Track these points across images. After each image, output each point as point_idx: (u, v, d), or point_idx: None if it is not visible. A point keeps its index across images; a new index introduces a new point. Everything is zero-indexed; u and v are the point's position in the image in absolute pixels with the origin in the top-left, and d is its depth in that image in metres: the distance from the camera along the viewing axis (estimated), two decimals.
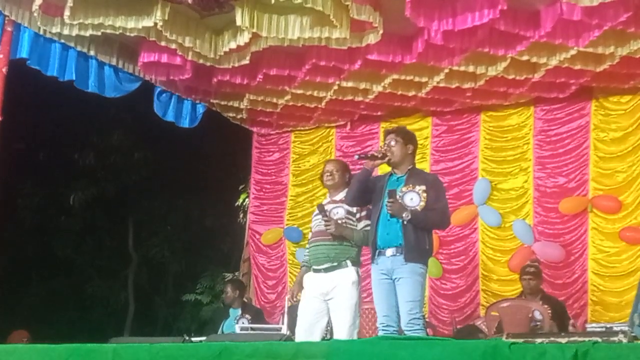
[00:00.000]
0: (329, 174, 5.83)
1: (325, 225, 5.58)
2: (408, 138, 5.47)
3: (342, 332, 5.47)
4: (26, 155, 13.48)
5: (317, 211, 5.84)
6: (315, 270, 5.71)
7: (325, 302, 5.62)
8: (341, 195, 5.78)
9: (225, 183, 12.60)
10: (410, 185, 5.26)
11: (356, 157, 5.50)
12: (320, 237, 5.69)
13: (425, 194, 5.22)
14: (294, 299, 5.95)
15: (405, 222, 5.14)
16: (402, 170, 5.38)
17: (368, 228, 5.63)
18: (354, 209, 5.68)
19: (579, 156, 8.31)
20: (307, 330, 5.58)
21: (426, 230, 5.32)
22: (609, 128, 8.23)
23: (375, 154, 5.33)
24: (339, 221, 5.61)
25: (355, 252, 5.68)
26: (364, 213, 5.69)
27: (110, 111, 13.06)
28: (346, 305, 5.54)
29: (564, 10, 6.14)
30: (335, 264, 5.59)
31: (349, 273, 5.59)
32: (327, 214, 5.65)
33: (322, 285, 5.63)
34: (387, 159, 5.33)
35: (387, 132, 5.53)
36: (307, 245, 5.90)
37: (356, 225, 5.68)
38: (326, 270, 5.61)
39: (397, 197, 5.22)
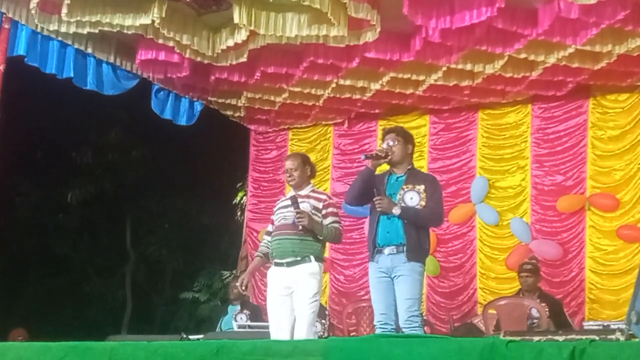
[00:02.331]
0: (288, 174, 5.82)
1: (298, 218, 5.54)
2: (407, 138, 5.50)
3: (305, 322, 5.51)
4: (24, 153, 13.45)
5: (280, 204, 5.83)
6: (277, 264, 5.68)
7: (290, 295, 5.61)
8: (306, 190, 5.78)
9: (223, 181, 12.61)
10: (411, 185, 5.29)
11: (363, 157, 5.50)
12: (285, 230, 5.66)
13: (424, 193, 5.26)
14: (243, 288, 5.93)
15: (398, 218, 5.16)
16: (401, 170, 5.41)
17: (335, 224, 5.68)
18: (320, 205, 5.69)
19: (576, 154, 8.32)
20: (278, 327, 5.59)
21: (424, 229, 5.35)
22: (607, 126, 8.25)
23: (380, 154, 5.35)
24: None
25: (319, 247, 5.68)
26: (329, 209, 5.71)
27: (108, 109, 13.04)
28: (306, 295, 5.54)
29: (562, 9, 6.15)
30: (299, 258, 5.58)
31: (311, 266, 5.59)
32: (300, 206, 5.59)
33: (284, 279, 5.62)
34: (389, 158, 5.35)
35: (387, 132, 5.54)
36: (271, 239, 5.83)
37: (321, 221, 5.67)
38: (289, 264, 5.60)
39: (398, 195, 5.24)
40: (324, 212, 5.69)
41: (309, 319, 5.54)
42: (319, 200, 5.72)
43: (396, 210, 5.16)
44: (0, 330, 9.29)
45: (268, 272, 5.83)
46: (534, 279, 7.12)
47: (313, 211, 5.64)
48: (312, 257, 5.60)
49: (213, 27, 7.13)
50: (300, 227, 5.55)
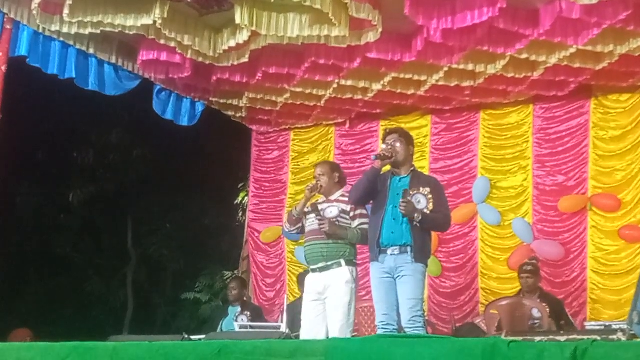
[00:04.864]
0: (316, 180, 5.96)
1: (320, 225, 5.65)
2: (409, 139, 5.55)
3: (335, 330, 5.57)
4: (25, 153, 13.46)
5: (310, 210, 5.91)
6: (312, 270, 5.81)
7: (322, 301, 5.70)
8: (336, 195, 5.88)
9: (225, 181, 12.61)
10: (416, 188, 5.31)
11: (373, 157, 5.55)
12: (314, 236, 5.78)
13: (431, 197, 5.28)
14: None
15: (415, 223, 5.18)
16: (404, 171, 5.43)
17: (363, 226, 5.73)
18: (348, 208, 5.76)
19: (578, 154, 8.31)
20: (311, 333, 5.66)
21: (430, 231, 5.38)
22: (608, 126, 8.23)
23: (387, 154, 5.37)
24: (333, 220, 5.69)
25: (349, 250, 5.75)
26: (358, 212, 5.79)
27: (109, 109, 13.04)
28: (339, 304, 5.62)
29: (564, 9, 6.14)
30: (330, 263, 5.68)
31: (342, 272, 5.67)
32: (321, 213, 5.74)
33: (317, 285, 5.74)
34: (392, 158, 5.38)
35: (388, 132, 5.58)
36: (304, 245, 5.98)
37: (350, 224, 5.75)
38: (321, 269, 5.72)
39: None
40: (352, 214, 5.79)
41: (339, 328, 5.57)
42: (347, 203, 5.80)
43: (418, 216, 5.17)
44: (2, 331, 9.29)
45: (306, 278, 5.96)
46: (534, 279, 7.12)
47: (342, 215, 5.75)
48: (342, 262, 5.69)
49: (215, 27, 7.13)
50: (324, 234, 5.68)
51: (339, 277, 5.65)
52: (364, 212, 5.83)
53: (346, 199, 5.82)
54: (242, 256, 10.11)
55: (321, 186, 5.86)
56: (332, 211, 5.75)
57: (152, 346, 4.29)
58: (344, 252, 5.71)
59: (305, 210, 5.94)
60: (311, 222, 5.84)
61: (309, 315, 5.76)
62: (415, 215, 5.17)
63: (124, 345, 4.47)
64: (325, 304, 5.69)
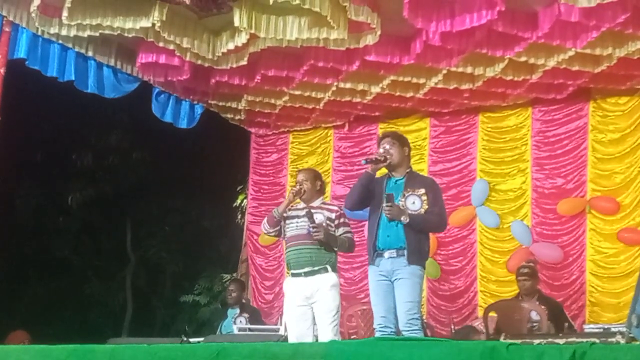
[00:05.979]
0: (299, 185, 5.96)
1: (315, 233, 5.65)
2: (403, 141, 5.55)
3: (328, 333, 5.61)
4: (24, 155, 13.45)
5: (292, 213, 5.93)
6: (295, 275, 5.82)
7: (310, 306, 5.73)
8: (317, 202, 5.94)
9: (224, 184, 12.60)
10: (411, 189, 5.31)
11: (363, 161, 5.58)
12: (301, 240, 5.80)
13: (425, 197, 5.28)
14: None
15: (405, 225, 5.19)
16: (400, 173, 5.43)
17: (348, 235, 5.83)
18: (333, 216, 5.83)
19: (577, 157, 8.32)
20: (300, 337, 5.69)
21: (425, 233, 5.37)
22: (607, 129, 8.24)
23: (379, 158, 5.39)
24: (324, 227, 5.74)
25: (335, 257, 5.84)
26: (342, 220, 5.86)
27: (109, 112, 13.04)
28: (329, 307, 5.68)
29: (562, 12, 6.15)
30: (316, 268, 5.73)
31: (330, 277, 5.74)
32: (315, 220, 5.75)
33: (303, 289, 5.75)
34: (387, 162, 5.39)
35: (382, 137, 5.62)
36: (286, 249, 5.98)
37: (335, 232, 5.80)
38: (306, 274, 5.74)
39: (400, 200, 5.26)
40: (336, 222, 5.86)
41: (332, 331, 5.64)
42: (331, 211, 5.89)
43: (405, 219, 5.18)
44: (1, 332, 9.28)
45: (284, 283, 6.03)
46: (531, 282, 7.12)
47: (327, 222, 5.80)
48: (329, 267, 5.75)
49: (213, 30, 7.13)
50: (316, 241, 5.70)
51: (327, 281, 5.72)
52: (348, 221, 5.94)
53: (329, 207, 5.93)
54: (241, 259, 10.11)
55: (304, 192, 5.89)
56: (317, 218, 5.79)
57: (150, 349, 4.29)
58: (329, 258, 5.78)
59: (286, 214, 5.96)
60: (295, 227, 5.86)
61: (296, 320, 5.78)
62: (402, 217, 5.19)
63: (123, 348, 4.47)
64: (313, 308, 5.73)
